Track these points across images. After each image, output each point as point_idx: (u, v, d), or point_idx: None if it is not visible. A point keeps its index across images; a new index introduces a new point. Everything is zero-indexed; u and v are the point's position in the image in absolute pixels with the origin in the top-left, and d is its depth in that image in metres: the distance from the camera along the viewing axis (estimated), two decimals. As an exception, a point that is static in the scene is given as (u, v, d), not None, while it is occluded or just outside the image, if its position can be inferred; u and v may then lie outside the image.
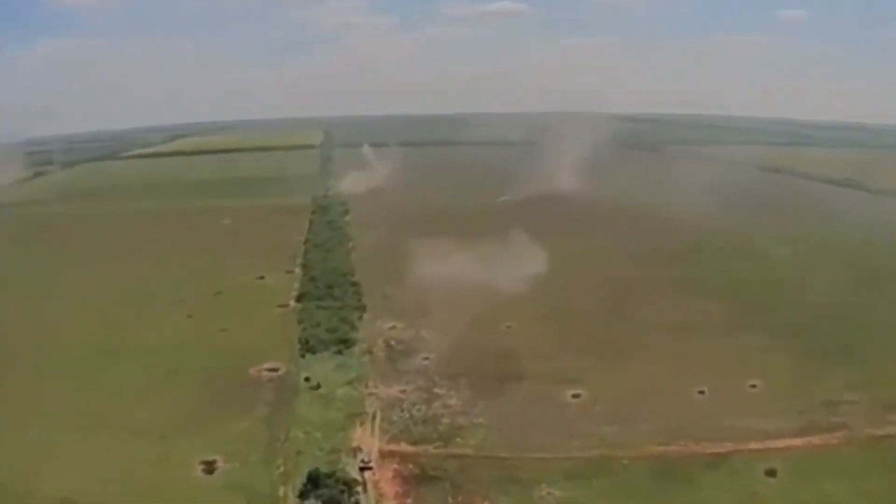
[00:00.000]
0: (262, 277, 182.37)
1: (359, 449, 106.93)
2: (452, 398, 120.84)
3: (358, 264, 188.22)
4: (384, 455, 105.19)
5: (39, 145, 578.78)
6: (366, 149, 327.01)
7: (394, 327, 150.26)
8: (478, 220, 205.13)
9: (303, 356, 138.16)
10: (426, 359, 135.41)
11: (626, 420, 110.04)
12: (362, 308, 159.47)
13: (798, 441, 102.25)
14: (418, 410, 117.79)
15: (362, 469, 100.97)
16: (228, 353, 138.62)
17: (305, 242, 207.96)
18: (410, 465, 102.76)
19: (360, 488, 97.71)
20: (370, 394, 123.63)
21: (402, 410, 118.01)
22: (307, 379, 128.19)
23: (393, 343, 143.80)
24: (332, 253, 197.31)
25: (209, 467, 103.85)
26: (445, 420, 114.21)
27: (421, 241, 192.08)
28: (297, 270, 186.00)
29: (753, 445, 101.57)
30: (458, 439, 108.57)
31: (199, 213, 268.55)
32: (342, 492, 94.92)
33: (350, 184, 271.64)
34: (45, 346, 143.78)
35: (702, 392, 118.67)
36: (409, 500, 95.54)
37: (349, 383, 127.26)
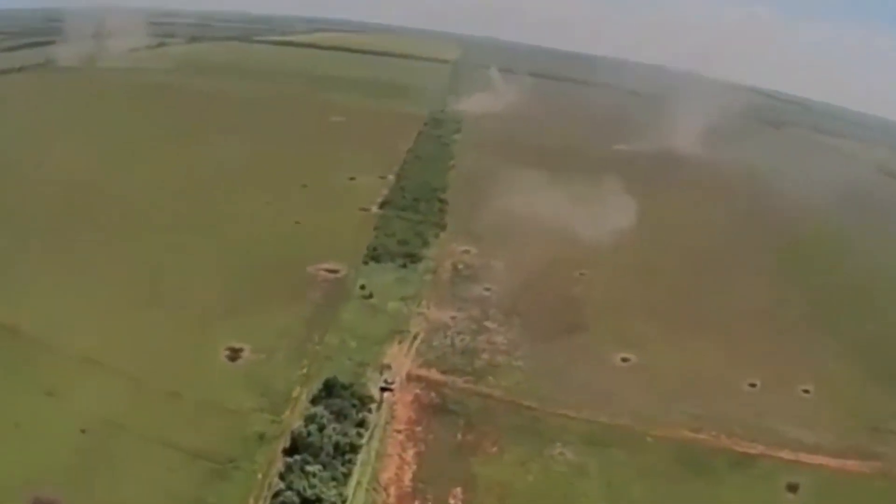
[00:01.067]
0: (353, 178, 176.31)
1: (388, 367, 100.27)
2: (500, 335, 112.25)
3: (452, 183, 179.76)
4: (411, 378, 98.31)
5: (169, 16, 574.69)
6: (493, 72, 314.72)
7: (467, 251, 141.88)
8: (586, 163, 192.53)
9: (366, 263, 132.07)
10: (488, 290, 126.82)
11: (666, 396, 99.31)
12: (441, 226, 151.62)
13: (831, 461, 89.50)
14: (461, 340, 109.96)
15: (383, 389, 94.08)
16: (294, 246, 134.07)
17: (408, 152, 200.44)
18: (433, 394, 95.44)
19: (373, 406, 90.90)
20: (420, 313, 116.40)
21: (446, 337, 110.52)
22: (362, 287, 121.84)
23: (461, 267, 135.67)
24: (430, 167, 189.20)
25: (234, 355, 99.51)
26: (485, 356, 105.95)
27: (523, 171, 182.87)
28: (391, 178, 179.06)
29: (785, 454, 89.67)
30: (490, 377, 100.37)
31: (313, 106, 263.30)
32: (353, 406, 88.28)
33: (470, 104, 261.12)
34: (126, 212, 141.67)
35: (753, 385, 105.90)
36: (418, 429, 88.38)
37: (403, 299, 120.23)
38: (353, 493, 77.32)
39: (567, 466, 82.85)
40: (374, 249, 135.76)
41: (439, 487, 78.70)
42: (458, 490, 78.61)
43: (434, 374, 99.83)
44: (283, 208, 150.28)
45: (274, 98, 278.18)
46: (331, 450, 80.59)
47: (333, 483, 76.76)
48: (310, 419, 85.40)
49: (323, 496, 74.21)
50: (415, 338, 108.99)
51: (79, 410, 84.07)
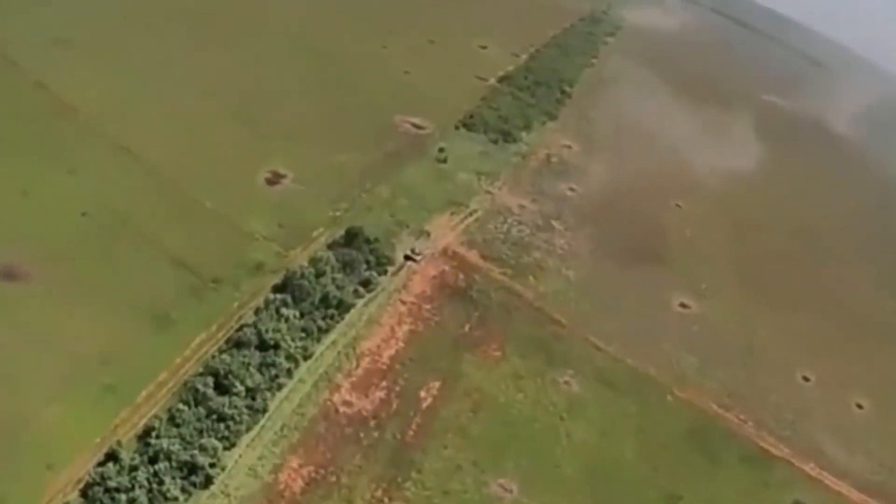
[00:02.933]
0: (484, 47, 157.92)
1: (426, 234, 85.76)
2: (563, 239, 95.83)
3: (583, 81, 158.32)
4: (446, 253, 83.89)
5: None
6: None
7: (568, 147, 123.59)
8: (728, 103, 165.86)
9: (457, 128, 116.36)
10: (573, 190, 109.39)
11: (709, 358, 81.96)
12: (552, 116, 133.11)
13: (853, 494, 70.48)
14: (519, 231, 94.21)
15: (407, 257, 79.52)
16: (391, 93, 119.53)
17: (552, 38, 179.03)
18: (461, 276, 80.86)
19: (390, 269, 76.78)
20: (489, 192, 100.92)
21: (504, 223, 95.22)
22: (441, 149, 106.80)
23: (554, 160, 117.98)
24: (567, 59, 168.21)
25: (275, 179, 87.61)
26: (536, 254, 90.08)
27: (660, 90, 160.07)
28: (523, 58, 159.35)
29: (809, 468, 71.57)
30: (531, 277, 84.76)
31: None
32: (367, 263, 74.37)
33: (636, 14, 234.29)
34: (240, 20, 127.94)
35: (807, 379, 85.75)
36: (427, 306, 74.28)
37: (478, 173, 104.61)
38: (321, 352, 63.90)
39: (566, 399, 67.63)
40: (471, 117, 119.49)
41: (416, 374, 65.33)
42: (436, 384, 65.08)
43: (472, 257, 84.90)
44: (398, 57, 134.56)
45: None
46: (317, 300, 67.01)
47: (302, 334, 64.01)
48: (313, 262, 72.19)
49: (282, 344, 61.11)
50: (471, 214, 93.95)
51: (90, 193, 74.97)
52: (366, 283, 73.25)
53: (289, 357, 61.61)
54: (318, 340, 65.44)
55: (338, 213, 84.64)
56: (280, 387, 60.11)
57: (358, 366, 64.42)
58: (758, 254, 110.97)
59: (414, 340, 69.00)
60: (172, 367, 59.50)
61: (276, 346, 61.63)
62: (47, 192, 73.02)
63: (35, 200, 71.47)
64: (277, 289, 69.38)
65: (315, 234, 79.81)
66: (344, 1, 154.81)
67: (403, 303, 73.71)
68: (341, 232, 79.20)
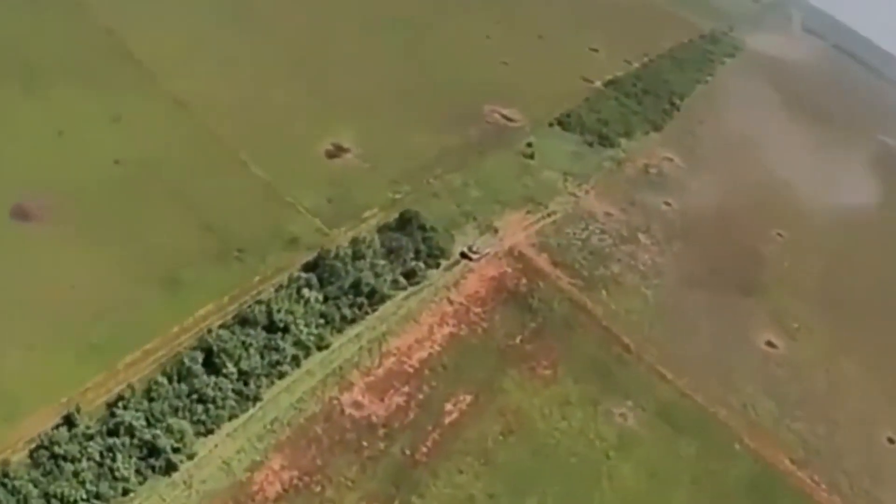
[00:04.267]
0: (595, 50, 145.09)
1: (494, 230, 74.45)
2: (647, 255, 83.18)
3: (695, 96, 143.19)
4: (512, 254, 71.89)
5: None
6: (796, 24, 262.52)
7: (669, 159, 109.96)
8: (845, 138, 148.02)
9: (551, 125, 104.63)
10: (668, 204, 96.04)
11: (790, 406, 68.32)
12: (657, 127, 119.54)
13: None
14: (600, 240, 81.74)
15: (463, 255, 68.24)
16: (486, 81, 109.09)
17: (668, 51, 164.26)
18: (524, 280, 69.22)
19: (443, 262, 65.87)
20: (573, 195, 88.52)
21: (585, 229, 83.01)
22: (529, 144, 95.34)
23: (653, 171, 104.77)
24: (682, 73, 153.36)
25: (336, 152, 78.92)
26: (615, 267, 77.60)
27: (776, 115, 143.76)
28: (635, 66, 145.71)
29: None
30: (603, 292, 72.41)
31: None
32: (417, 252, 63.60)
33: (758, 40, 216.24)
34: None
35: (892, 441, 70.10)
36: (477, 309, 62.82)
37: (565, 174, 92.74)
38: (340, 344, 53.43)
39: (617, 433, 55.27)
40: (568, 116, 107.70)
41: (446, 384, 54.27)
42: (467, 398, 53.53)
43: (541, 261, 73.29)
44: (500, 47, 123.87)
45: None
46: (346, 285, 56.63)
47: (321, 321, 53.59)
48: (354, 243, 61.80)
49: (292, 329, 50.98)
50: (549, 215, 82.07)
51: (129, 142, 68.04)
52: (410, 275, 62.60)
53: (298, 343, 51.68)
54: (340, 330, 55.25)
55: (398, 196, 74.48)
56: (282, 375, 50.38)
57: (380, 365, 53.87)
58: (858, 296, 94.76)
59: (453, 345, 57.96)
60: (168, 335, 51.15)
61: (286, 330, 51.84)
62: (85, 134, 66.78)
63: (70, 141, 65.31)
64: (308, 268, 59.61)
65: (367, 214, 69.91)
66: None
67: (451, 302, 62.74)
68: (395, 215, 68.53)
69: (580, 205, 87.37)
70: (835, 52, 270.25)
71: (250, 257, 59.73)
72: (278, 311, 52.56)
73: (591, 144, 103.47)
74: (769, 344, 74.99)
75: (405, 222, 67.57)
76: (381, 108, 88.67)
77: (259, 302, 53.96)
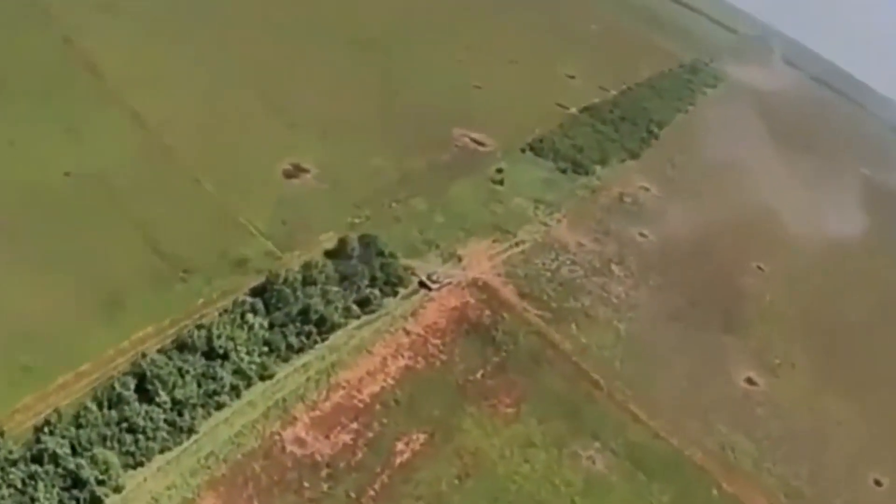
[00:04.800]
0: (572, 77, 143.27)
1: (457, 258, 71.19)
2: (620, 287, 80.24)
3: (674, 125, 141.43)
4: (476, 284, 68.56)
5: None
6: (777, 56, 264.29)
7: (646, 189, 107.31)
8: (825, 171, 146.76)
9: (523, 151, 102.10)
10: (643, 235, 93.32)
11: (770, 447, 64.57)
12: (634, 155, 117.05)
13: None
14: (570, 271, 78.63)
15: (422, 284, 64.94)
16: (456, 104, 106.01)
17: (647, 80, 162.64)
18: (487, 312, 65.97)
19: (401, 290, 62.57)
20: (545, 224, 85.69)
21: (555, 259, 79.75)
22: (499, 170, 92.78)
23: (628, 200, 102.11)
24: (661, 102, 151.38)
25: (294, 172, 75.76)
26: (586, 300, 74.56)
27: (754, 148, 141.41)
28: (612, 93, 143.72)
29: None
30: (573, 325, 69.26)
31: (576, 5, 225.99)
32: (373, 280, 60.23)
33: (738, 70, 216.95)
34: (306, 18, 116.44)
35: (878, 483, 66.27)
36: (435, 341, 59.34)
37: (536, 201, 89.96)
38: (285, 375, 49.72)
39: (584, 478, 51.78)
40: (541, 141, 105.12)
41: (398, 421, 50.79)
42: (420, 437, 49.84)
43: (507, 292, 70.21)
44: (471, 70, 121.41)
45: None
46: (294, 311, 53.04)
47: (264, 349, 49.80)
48: (307, 267, 58.27)
49: (232, 356, 47.36)
50: (517, 244, 78.95)
51: (82, 155, 65.41)
52: (364, 303, 59.07)
53: (238, 372, 48.08)
54: (286, 360, 51.71)
55: (357, 220, 71.32)
56: (219, 406, 46.60)
57: (327, 398, 50.30)
58: (842, 331, 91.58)
59: (408, 379, 54.50)
60: (102, 358, 47.88)
61: (226, 357, 48.02)
62: (36, 145, 64.19)
63: (20, 151, 62.52)
64: (256, 292, 55.83)
65: (323, 237, 66.28)
66: (427, 10, 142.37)
67: (407, 333, 59.35)
68: (354, 242, 65.21)
69: (551, 234, 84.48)
70: (815, 84, 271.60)
71: (196, 279, 56.30)
72: (219, 336, 48.94)
73: (564, 171, 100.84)
74: (749, 381, 72.14)
75: (364, 247, 64.23)
76: (346, 129, 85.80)
77: (200, 326, 50.36)
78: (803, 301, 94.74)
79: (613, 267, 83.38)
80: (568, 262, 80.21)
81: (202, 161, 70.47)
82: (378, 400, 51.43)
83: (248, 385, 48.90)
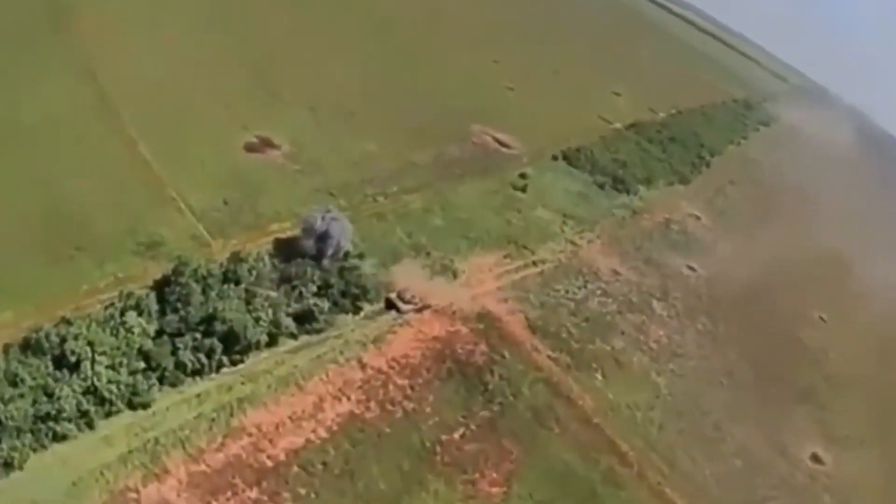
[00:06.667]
0: (618, 94, 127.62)
1: (452, 273, 54.72)
2: (662, 330, 63.25)
3: (727, 155, 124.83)
4: (472, 309, 51.36)
5: None
6: (834, 104, 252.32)
7: (695, 217, 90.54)
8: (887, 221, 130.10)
9: (555, 158, 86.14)
10: (691, 269, 76.09)
11: None
12: (684, 180, 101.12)
13: None
14: (600, 304, 61.66)
15: (389, 304, 47.95)
16: (483, 102, 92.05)
17: (700, 107, 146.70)
18: (482, 347, 49.32)
19: (365, 306, 45.74)
20: (572, 243, 68.55)
21: (583, 287, 62.49)
22: (522, 175, 76.21)
23: (675, 227, 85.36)
24: (713, 130, 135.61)
25: (259, 146, 61.60)
26: (618, 342, 58.31)
27: (815, 189, 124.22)
28: (661, 115, 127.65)
29: None
30: (598, 374, 52.40)
31: (633, 31, 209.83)
32: (322, 287, 43.52)
33: (792, 115, 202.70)
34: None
35: None
36: (400, 381, 42.32)
37: (565, 216, 73.56)
38: (166, 406, 33.32)
39: None
40: (577, 151, 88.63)
41: (320, 498, 32.98)
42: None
43: (513, 322, 53.29)
44: (507, 73, 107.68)
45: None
46: (196, 319, 36.53)
47: (141, 366, 33.68)
48: (234, 260, 41.78)
49: (86, 370, 30.92)
50: (535, 263, 62.16)
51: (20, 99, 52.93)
52: (305, 317, 42.27)
53: (92, 393, 31.26)
54: (172, 384, 34.91)
55: (324, 215, 54.53)
56: (59, 437, 29.85)
57: (222, 448, 33.39)
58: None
59: (350, 432, 37.65)
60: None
61: (76, 367, 31.45)
62: None
63: None
64: (158, 285, 39.46)
65: (274, 227, 49.97)
66: (469, 11, 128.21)
67: (363, 366, 42.44)
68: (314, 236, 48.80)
69: (579, 255, 67.76)
70: (868, 136, 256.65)
71: (86, 259, 40.70)
72: (75, 337, 32.47)
73: (601, 186, 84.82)
74: (815, 459, 54.45)
75: (321, 245, 47.77)
76: (339, 107, 71.20)
77: (66, 321, 33.96)
78: (871, 359, 76.85)
79: (654, 304, 66.37)
80: (598, 293, 63.40)
81: (147, 122, 55.54)
82: (298, 460, 34.59)
83: (108, 413, 32.47)
